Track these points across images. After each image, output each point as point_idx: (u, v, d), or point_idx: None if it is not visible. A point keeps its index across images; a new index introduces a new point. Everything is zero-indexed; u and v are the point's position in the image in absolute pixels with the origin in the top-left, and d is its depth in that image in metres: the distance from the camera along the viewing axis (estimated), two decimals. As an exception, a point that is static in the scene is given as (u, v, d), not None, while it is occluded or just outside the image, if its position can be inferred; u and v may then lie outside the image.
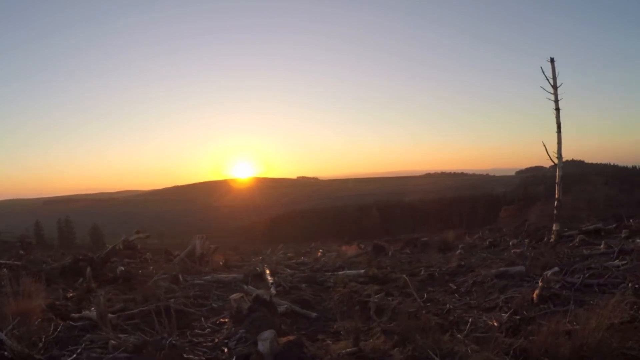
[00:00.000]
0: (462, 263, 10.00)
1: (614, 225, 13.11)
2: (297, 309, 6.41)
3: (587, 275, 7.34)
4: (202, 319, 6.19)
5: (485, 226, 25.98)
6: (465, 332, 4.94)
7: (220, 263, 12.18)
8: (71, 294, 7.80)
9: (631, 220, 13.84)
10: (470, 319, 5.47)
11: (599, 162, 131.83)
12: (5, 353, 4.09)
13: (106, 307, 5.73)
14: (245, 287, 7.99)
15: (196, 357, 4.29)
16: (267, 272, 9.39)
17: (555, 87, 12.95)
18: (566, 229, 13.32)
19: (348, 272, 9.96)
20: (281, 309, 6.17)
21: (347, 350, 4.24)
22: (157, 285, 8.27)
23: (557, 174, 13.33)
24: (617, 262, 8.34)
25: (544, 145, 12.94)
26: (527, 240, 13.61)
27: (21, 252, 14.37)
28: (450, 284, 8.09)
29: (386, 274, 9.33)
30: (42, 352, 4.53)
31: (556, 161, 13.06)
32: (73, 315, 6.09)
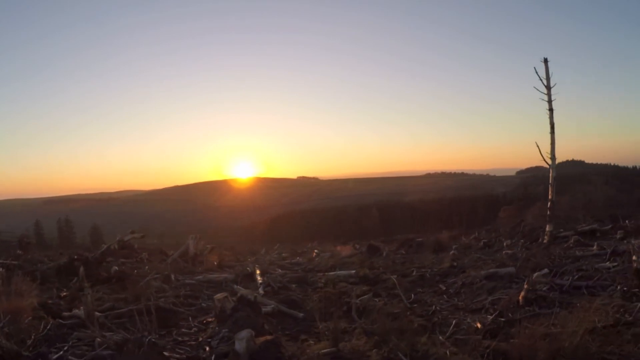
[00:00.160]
0: (455, 264, 10.00)
1: (610, 226, 13.06)
2: (284, 309, 6.44)
3: (576, 277, 7.34)
4: (190, 318, 6.27)
5: (485, 226, 25.89)
6: (447, 334, 4.96)
7: (215, 263, 12.22)
8: (64, 293, 7.86)
9: (627, 221, 13.80)
10: (454, 321, 5.50)
11: (599, 162, 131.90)
12: None
13: (94, 306, 5.81)
14: (235, 287, 8.03)
15: (177, 355, 4.34)
16: (258, 272, 9.44)
17: (548, 87, 12.88)
18: (561, 230, 13.27)
19: (339, 272, 9.99)
20: (267, 309, 6.22)
21: (325, 350, 4.26)
22: (148, 284, 8.32)
23: (550, 174, 13.31)
24: (608, 263, 8.31)
25: (537, 146, 12.89)
26: (521, 241, 13.59)
27: (19, 251, 14.41)
28: (440, 285, 8.11)
29: (377, 274, 9.35)
30: (30, 349, 4.62)
31: (549, 162, 13.02)
32: (64, 313, 6.17)
